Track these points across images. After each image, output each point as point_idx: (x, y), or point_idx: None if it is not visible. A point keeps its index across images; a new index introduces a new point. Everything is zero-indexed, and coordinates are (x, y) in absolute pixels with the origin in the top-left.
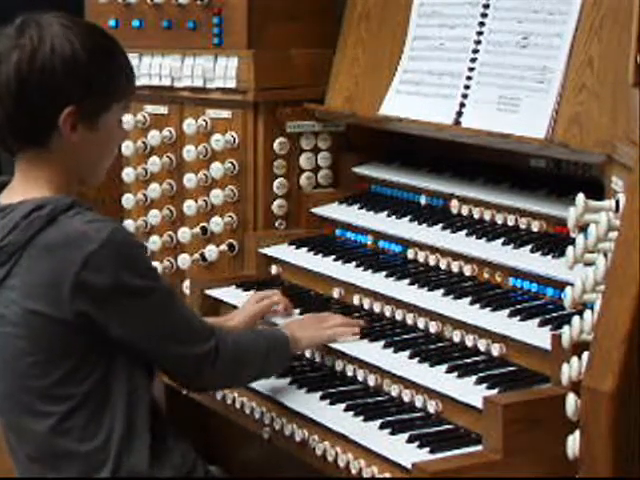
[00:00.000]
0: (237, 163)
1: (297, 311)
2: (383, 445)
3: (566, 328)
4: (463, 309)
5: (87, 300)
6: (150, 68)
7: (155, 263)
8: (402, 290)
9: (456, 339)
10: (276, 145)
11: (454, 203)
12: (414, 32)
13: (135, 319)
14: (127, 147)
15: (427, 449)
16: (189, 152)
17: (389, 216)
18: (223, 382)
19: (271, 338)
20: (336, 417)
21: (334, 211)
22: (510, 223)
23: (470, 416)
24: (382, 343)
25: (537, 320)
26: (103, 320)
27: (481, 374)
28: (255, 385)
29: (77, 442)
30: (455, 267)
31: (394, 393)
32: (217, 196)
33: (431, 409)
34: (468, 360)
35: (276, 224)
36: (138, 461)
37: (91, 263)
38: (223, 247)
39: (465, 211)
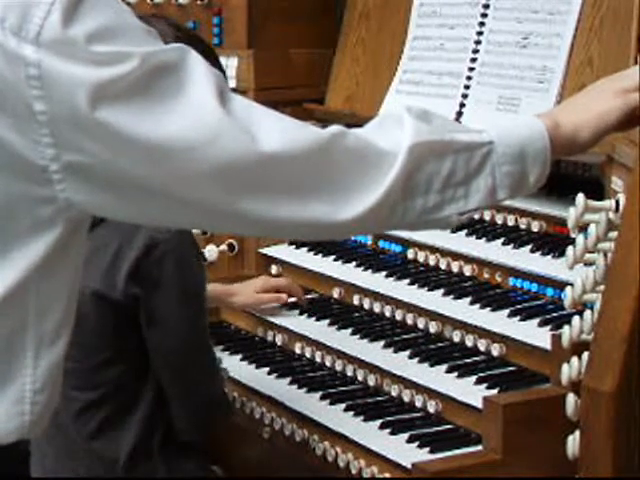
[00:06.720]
0: None
1: (296, 312)
2: (383, 445)
3: (566, 328)
4: (463, 309)
5: (141, 282)
6: None
7: None
8: (402, 290)
9: (456, 339)
10: None
11: None
12: (414, 32)
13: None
14: None
15: (427, 449)
16: None
17: None
18: None
19: None
20: (336, 417)
21: None
22: (510, 223)
23: (470, 416)
24: (382, 343)
25: (537, 320)
26: (151, 299)
27: (481, 374)
28: (255, 385)
29: (96, 431)
30: (455, 267)
31: (394, 393)
32: None
33: (431, 409)
34: (468, 360)
35: None
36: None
37: (152, 249)
38: (223, 247)
39: None
